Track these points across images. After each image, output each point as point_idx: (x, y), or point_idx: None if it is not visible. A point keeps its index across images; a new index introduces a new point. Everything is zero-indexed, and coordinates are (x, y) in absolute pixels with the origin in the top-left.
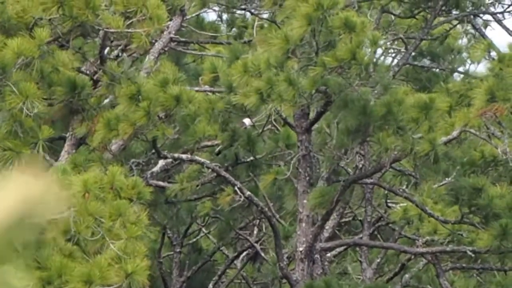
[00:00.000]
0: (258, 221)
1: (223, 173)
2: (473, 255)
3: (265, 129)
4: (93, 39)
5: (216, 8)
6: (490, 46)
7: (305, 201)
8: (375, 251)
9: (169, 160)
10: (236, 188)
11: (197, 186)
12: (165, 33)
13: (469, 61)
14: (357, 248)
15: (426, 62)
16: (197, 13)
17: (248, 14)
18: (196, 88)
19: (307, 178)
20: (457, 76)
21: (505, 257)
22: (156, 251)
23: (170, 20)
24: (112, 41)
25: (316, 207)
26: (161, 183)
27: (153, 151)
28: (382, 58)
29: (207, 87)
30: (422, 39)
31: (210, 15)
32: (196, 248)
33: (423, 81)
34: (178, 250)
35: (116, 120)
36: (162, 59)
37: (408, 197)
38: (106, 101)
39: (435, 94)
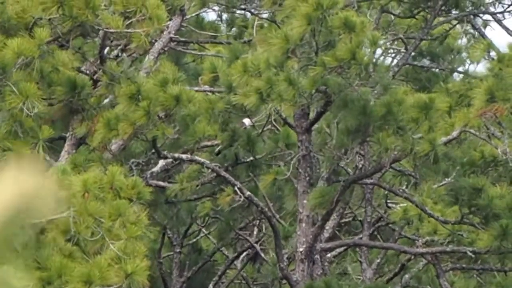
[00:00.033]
0: (258, 221)
1: (223, 173)
2: (473, 256)
3: (265, 129)
4: (93, 39)
5: (216, 8)
6: (490, 46)
7: (305, 201)
8: (375, 251)
9: (169, 160)
10: (236, 188)
11: (197, 186)
12: (164, 33)
13: (468, 61)
14: (357, 249)
15: (426, 62)
16: (196, 13)
17: (248, 13)
18: (196, 88)
19: (307, 178)
20: (456, 76)
21: (505, 257)
22: (156, 252)
23: (170, 20)
24: (112, 41)
25: (316, 207)
26: (161, 183)
27: (153, 151)
28: (381, 58)
29: (207, 87)
30: (421, 39)
31: (210, 15)
32: (196, 249)
33: (423, 81)
34: (178, 250)
35: (116, 120)
36: (162, 59)
37: (408, 197)
38: (106, 101)
39: (435, 94)
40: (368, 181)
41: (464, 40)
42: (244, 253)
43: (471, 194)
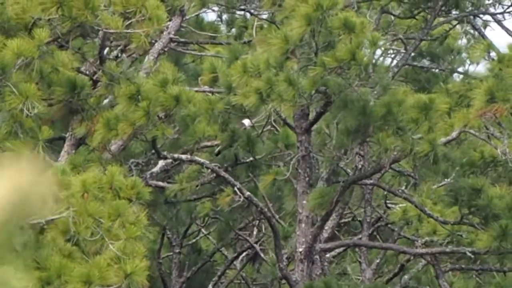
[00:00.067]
0: (257, 221)
1: (223, 173)
2: (472, 256)
3: (264, 129)
4: (93, 40)
5: (216, 9)
6: (490, 46)
7: (304, 201)
8: (375, 251)
9: (169, 160)
10: (235, 189)
11: (197, 186)
12: (164, 33)
13: (468, 61)
14: (357, 249)
15: (426, 62)
16: (196, 13)
17: (247, 14)
18: (196, 89)
19: (307, 178)
20: (456, 77)
21: (505, 258)
22: (156, 252)
23: (170, 20)
24: (111, 42)
25: (316, 208)
26: (160, 184)
27: (153, 151)
28: (381, 58)
29: (206, 88)
30: (421, 39)
31: (210, 16)
32: (196, 249)
33: (423, 82)
34: (177, 250)
35: (115, 120)
36: (162, 59)
37: (407, 197)
38: (105, 101)
39: (434, 95)
40: (368, 181)
41: (464, 40)
42: (244, 253)
43: (470, 194)
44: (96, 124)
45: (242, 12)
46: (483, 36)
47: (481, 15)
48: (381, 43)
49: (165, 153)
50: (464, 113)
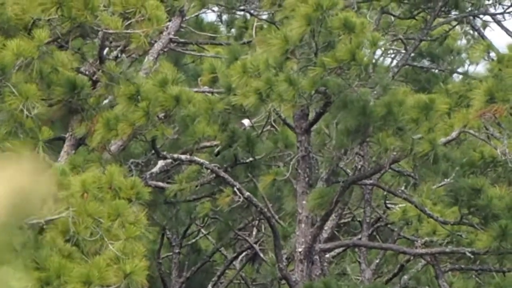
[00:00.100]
0: (257, 221)
1: (222, 173)
2: (472, 256)
3: (264, 130)
4: (92, 40)
5: (215, 9)
6: (490, 47)
7: (304, 202)
8: (374, 252)
9: (169, 160)
10: (235, 189)
11: (196, 186)
12: (164, 33)
13: (468, 62)
14: (356, 249)
15: (426, 63)
16: (196, 13)
17: (247, 14)
18: (195, 89)
19: (306, 179)
20: (456, 77)
21: (504, 258)
22: (155, 252)
23: (169, 20)
24: (111, 42)
25: (315, 208)
26: (160, 184)
27: (153, 151)
28: (381, 59)
29: (206, 88)
30: (421, 40)
31: (209, 16)
32: (195, 249)
33: (422, 82)
34: (177, 250)
35: (115, 120)
36: (161, 59)
37: (407, 198)
38: (105, 101)
39: (434, 95)
40: (367, 181)
41: (464, 41)
42: (243, 254)
43: (470, 194)
44: (96, 124)
45: (242, 13)
46: (482, 36)
47: (480, 16)
48: (381, 43)
49: (164, 153)
50: (464, 113)
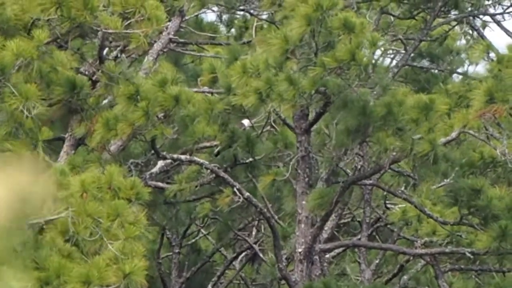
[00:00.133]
0: (257, 222)
1: (222, 174)
2: (471, 256)
3: (264, 130)
4: (92, 40)
5: (215, 9)
6: (489, 47)
7: (304, 202)
8: (374, 252)
9: (168, 160)
10: (235, 189)
11: (196, 187)
12: (164, 33)
13: (468, 62)
14: (356, 249)
15: (425, 63)
16: (196, 13)
17: (247, 14)
18: (195, 89)
19: (306, 179)
20: (456, 77)
21: (504, 258)
22: (155, 252)
23: (169, 20)
24: (110, 42)
25: (315, 208)
26: (160, 184)
27: (152, 151)
28: (381, 59)
29: (206, 88)
30: (421, 40)
31: (209, 16)
32: (195, 249)
33: (422, 82)
34: (177, 251)
35: (114, 120)
36: (161, 60)
37: (407, 198)
38: (105, 101)
39: (434, 95)
40: (367, 182)
41: (463, 41)
42: (243, 254)
43: (470, 195)
44: (95, 124)
45: (242, 13)
46: (482, 36)
47: (480, 16)
48: (380, 43)
49: (164, 153)
50: (464, 113)
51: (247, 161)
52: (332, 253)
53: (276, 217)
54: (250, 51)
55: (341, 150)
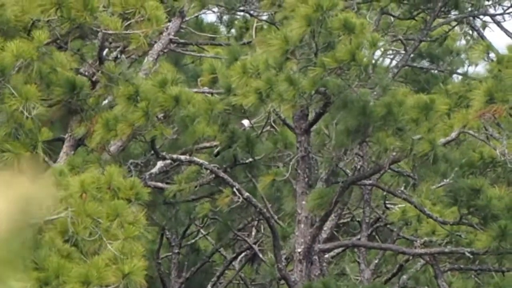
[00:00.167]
0: (256, 222)
1: (222, 174)
2: (471, 256)
3: (264, 130)
4: (92, 41)
5: (215, 10)
6: (489, 47)
7: (303, 202)
8: (373, 252)
9: (168, 161)
10: (234, 189)
11: (196, 187)
12: (164, 34)
13: (468, 62)
14: (355, 249)
15: (425, 63)
16: (196, 14)
17: (247, 15)
18: (195, 90)
19: (306, 179)
20: (456, 78)
21: (503, 258)
22: (155, 252)
23: (169, 21)
24: (110, 43)
25: (315, 208)
26: (159, 184)
27: (152, 152)
28: (381, 59)
29: (206, 89)
30: (421, 40)
31: (209, 17)
32: (195, 249)
33: (422, 83)
34: (176, 251)
35: (114, 121)
36: (161, 60)
37: (406, 198)
38: (104, 102)
39: (434, 95)
40: (367, 182)
41: (463, 41)
42: (243, 254)
43: (469, 195)
44: (95, 124)
45: (242, 13)
46: (482, 37)
47: (480, 16)
48: (380, 44)
49: (164, 153)
50: (464, 113)
51: (247, 161)
52: (332, 253)
53: (275, 217)
54: (250, 52)
55: (340, 150)
